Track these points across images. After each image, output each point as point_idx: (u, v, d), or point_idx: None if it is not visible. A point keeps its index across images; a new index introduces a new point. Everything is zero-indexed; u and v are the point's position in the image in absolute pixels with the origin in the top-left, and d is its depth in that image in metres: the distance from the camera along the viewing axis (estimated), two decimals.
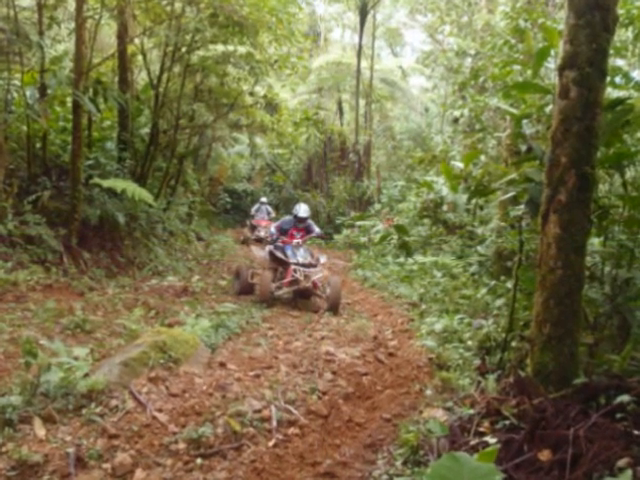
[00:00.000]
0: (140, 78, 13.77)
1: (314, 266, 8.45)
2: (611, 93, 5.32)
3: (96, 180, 8.47)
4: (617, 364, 3.75)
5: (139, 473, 3.15)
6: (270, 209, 18.22)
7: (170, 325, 5.91)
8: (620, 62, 7.49)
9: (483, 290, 6.97)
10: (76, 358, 4.20)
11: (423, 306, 7.96)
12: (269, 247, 8.92)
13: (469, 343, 5.67)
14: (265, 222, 16.77)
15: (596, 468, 2.60)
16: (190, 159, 15.21)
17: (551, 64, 6.43)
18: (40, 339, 4.73)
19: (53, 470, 3.04)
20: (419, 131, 21.71)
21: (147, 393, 3.99)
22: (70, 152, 8.38)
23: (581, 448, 2.73)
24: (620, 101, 4.06)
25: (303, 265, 8.32)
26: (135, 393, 3.93)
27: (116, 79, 11.03)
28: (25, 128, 8.42)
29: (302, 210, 8.88)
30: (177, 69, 11.44)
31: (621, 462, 2.58)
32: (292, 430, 3.87)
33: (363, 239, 15.18)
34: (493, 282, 6.81)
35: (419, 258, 10.63)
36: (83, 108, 8.29)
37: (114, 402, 3.77)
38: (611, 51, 3.95)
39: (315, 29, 24.78)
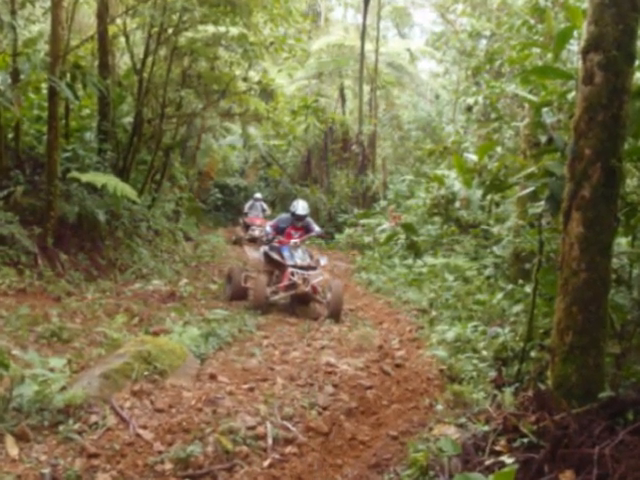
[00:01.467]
0: (122, 62, 13.78)
1: (313, 268, 8.45)
2: None
3: (74, 174, 8.48)
4: None
5: None
6: (265, 206, 18.26)
7: (155, 333, 5.92)
8: None
9: (499, 295, 6.97)
10: (52, 370, 4.21)
11: (433, 312, 7.97)
12: (264, 248, 8.93)
13: (484, 353, 5.67)
14: (259, 220, 16.81)
15: None
16: (177, 151, 15.24)
17: (574, 46, 6.44)
18: (12, 349, 4.74)
19: None
20: (429, 120, 21.67)
21: (130, 408, 4.00)
22: (45, 143, 8.39)
23: (607, 468, 2.73)
24: None
25: (301, 267, 8.32)
26: (117, 408, 3.93)
27: (96, 63, 11.04)
28: None
29: (300, 207, 8.88)
30: (163, 52, 11.46)
31: None
32: (289, 449, 3.87)
33: (367, 239, 15.19)
34: (510, 286, 6.82)
35: (429, 260, 10.64)
36: (60, 95, 8.29)
37: (94, 418, 3.77)
38: None
39: (315, 8, 24.78)
